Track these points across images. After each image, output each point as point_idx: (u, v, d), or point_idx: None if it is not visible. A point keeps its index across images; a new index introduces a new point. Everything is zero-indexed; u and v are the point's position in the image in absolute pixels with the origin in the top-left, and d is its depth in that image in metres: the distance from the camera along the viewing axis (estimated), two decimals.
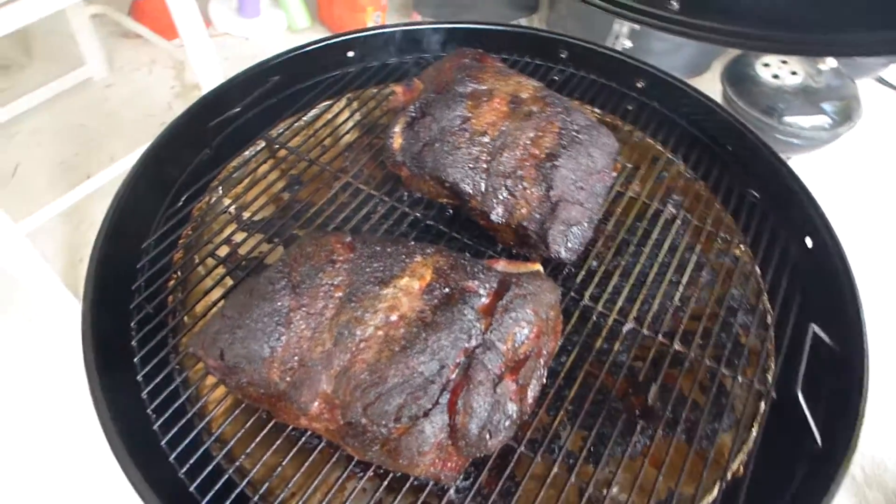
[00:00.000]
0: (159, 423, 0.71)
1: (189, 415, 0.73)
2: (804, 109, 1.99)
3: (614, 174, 0.98)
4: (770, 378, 0.81)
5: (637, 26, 1.15)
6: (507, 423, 0.65)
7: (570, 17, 2.52)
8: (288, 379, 0.63)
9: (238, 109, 0.96)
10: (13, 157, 2.37)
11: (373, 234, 0.89)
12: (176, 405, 0.73)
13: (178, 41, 1.96)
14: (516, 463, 0.72)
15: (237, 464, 0.70)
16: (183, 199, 0.91)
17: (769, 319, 0.87)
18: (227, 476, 0.69)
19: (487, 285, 0.67)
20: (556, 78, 1.17)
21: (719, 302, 0.87)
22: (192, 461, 0.69)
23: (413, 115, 0.87)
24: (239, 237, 0.90)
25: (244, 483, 0.68)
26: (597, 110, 1.13)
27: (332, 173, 0.97)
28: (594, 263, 0.91)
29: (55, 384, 1.72)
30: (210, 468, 0.69)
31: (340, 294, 0.65)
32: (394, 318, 0.63)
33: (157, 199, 0.91)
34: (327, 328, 0.63)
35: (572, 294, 0.85)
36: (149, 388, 0.74)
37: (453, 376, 0.63)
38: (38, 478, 1.57)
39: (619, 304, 0.85)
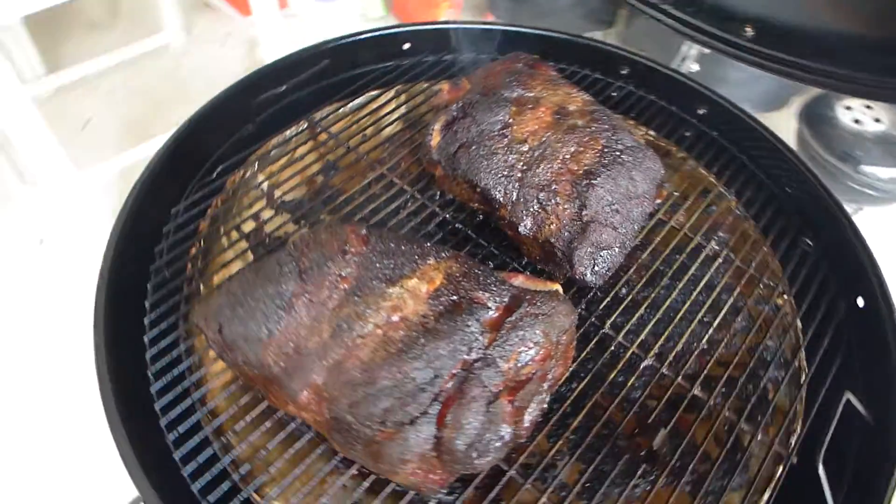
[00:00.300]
0: (156, 386, 0.71)
1: (186, 383, 0.73)
2: (884, 160, 1.87)
3: (658, 201, 0.93)
4: (793, 441, 0.75)
5: (707, 50, 1.10)
6: (498, 444, 0.62)
7: (647, 37, 2.45)
8: (282, 364, 0.62)
9: (283, 88, 0.96)
10: (87, 111, 2.47)
11: (399, 228, 0.87)
12: (175, 372, 0.73)
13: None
14: (505, 486, 0.69)
15: (224, 439, 0.70)
16: (218, 169, 0.92)
17: (803, 378, 0.81)
18: (211, 450, 0.68)
19: (498, 299, 0.64)
20: (615, 94, 1.13)
21: (751, 351, 0.82)
22: (180, 429, 0.69)
23: (454, 114, 0.85)
24: (266, 214, 0.90)
25: (227, 460, 0.68)
26: (651, 133, 1.08)
27: (369, 163, 0.96)
28: (622, 291, 0.87)
29: (66, 318, 1.77)
30: (197, 439, 0.68)
31: (346, 286, 0.64)
32: (395, 318, 0.61)
33: (194, 166, 0.92)
34: (327, 319, 0.62)
35: (593, 320, 0.81)
36: (152, 350, 0.74)
37: (448, 387, 0.60)
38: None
39: (642, 337, 0.80)
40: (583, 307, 0.82)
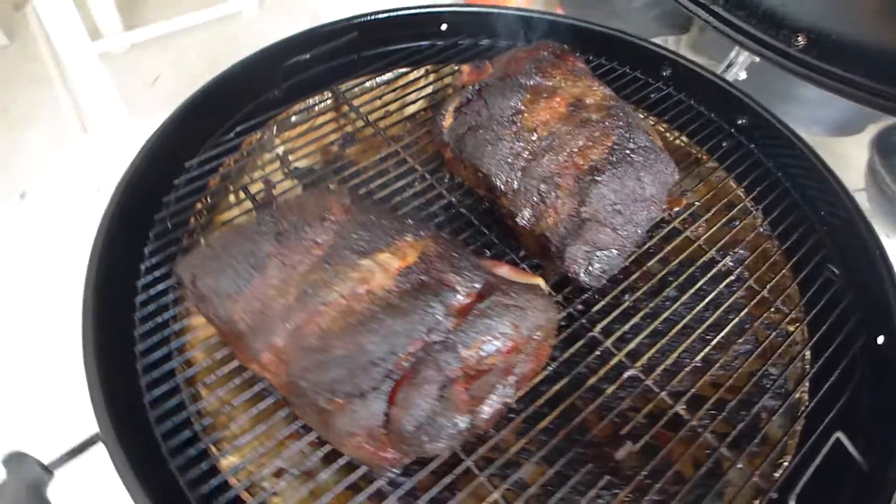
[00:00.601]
0: (140, 329, 0.74)
1: (168, 331, 0.75)
2: None
3: (676, 209, 0.89)
4: (778, 475, 0.70)
5: (757, 58, 1.04)
6: (452, 432, 0.61)
7: (717, 45, 2.34)
8: (248, 322, 0.63)
9: (308, 56, 0.96)
10: (158, 68, 2.58)
11: (402, 206, 0.87)
12: (160, 319, 0.75)
13: None
14: (461, 476, 0.68)
15: (193, 390, 0.71)
16: (237, 130, 0.94)
17: (801, 410, 0.76)
18: (180, 398, 0.70)
19: (469, 284, 0.62)
20: (654, 96, 1.08)
21: (750, 376, 0.77)
22: (154, 374, 0.70)
23: (469, 96, 0.83)
24: (276, 178, 0.91)
25: (192, 410, 0.69)
26: (684, 139, 1.03)
27: (385, 139, 0.95)
28: (621, 297, 0.83)
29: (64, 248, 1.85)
30: (167, 386, 0.70)
31: (320, 253, 0.64)
32: (361, 290, 0.61)
33: (214, 124, 0.94)
34: (295, 282, 0.62)
35: (584, 321, 0.78)
36: (142, 296, 0.76)
37: (405, 366, 0.59)
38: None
39: (632, 345, 0.77)
40: (575, 307, 0.79)
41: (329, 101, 1.01)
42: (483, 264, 0.68)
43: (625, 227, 0.74)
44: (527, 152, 0.77)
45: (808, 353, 0.81)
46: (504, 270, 0.69)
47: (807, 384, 0.79)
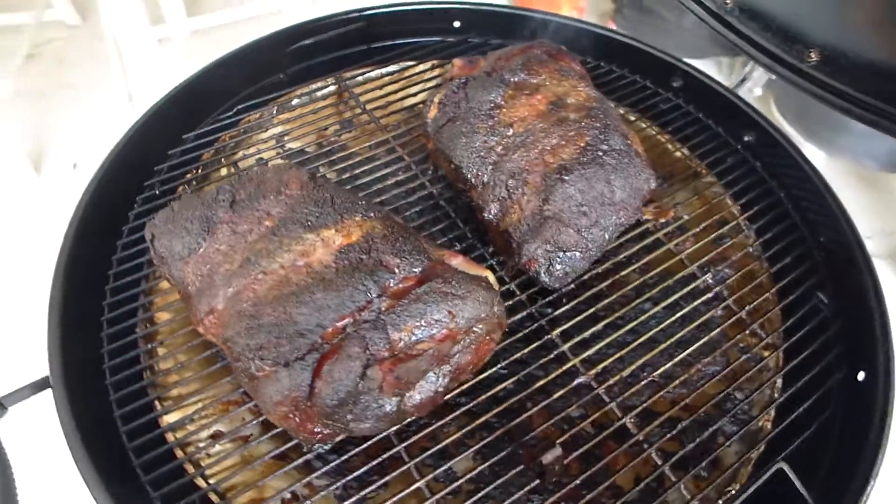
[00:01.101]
0: (111, 285, 0.77)
1: (139, 288, 0.78)
2: None
3: (662, 220, 0.87)
4: (721, 502, 0.67)
5: (772, 75, 1.00)
6: (376, 413, 0.61)
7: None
8: (197, 284, 0.65)
9: (311, 42, 0.99)
10: (213, 55, 2.68)
11: (383, 194, 0.88)
12: (132, 277, 0.78)
13: None
14: (391, 461, 0.68)
15: (150, 346, 0.74)
16: (237, 108, 0.97)
17: (760, 439, 0.72)
18: (137, 352, 0.73)
19: (409, 268, 0.63)
20: (661, 106, 1.05)
21: (712, 398, 0.74)
22: (117, 327, 0.74)
23: (454, 89, 0.83)
24: (268, 156, 0.94)
25: (146, 364, 0.72)
26: (685, 151, 1.00)
27: (380, 127, 0.97)
28: (587, 302, 0.81)
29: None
30: (127, 339, 0.73)
31: (269, 224, 0.65)
32: (301, 262, 0.62)
33: (216, 101, 0.98)
34: (242, 250, 0.64)
35: (543, 323, 0.77)
36: (121, 254, 0.80)
37: (334, 341, 0.60)
38: None
39: (588, 353, 0.75)
40: (538, 308, 0.78)
41: (332, 88, 1.03)
42: (433, 252, 0.68)
43: (590, 229, 0.73)
44: (500, 147, 0.77)
45: (779, 381, 0.77)
46: (457, 261, 0.69)
47: (772, 412, 0.75)
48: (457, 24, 1.12)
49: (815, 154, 1.97)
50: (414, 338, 0.61)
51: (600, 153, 0.74)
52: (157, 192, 0.86)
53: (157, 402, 0.70)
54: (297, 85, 1.02)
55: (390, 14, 1.07)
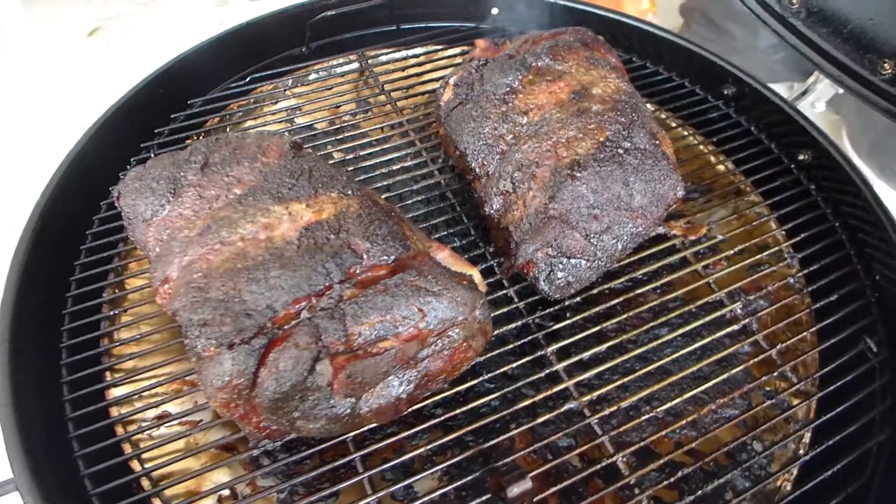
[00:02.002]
0: (86, 245, 0.74)
1: (114, 251, 0.74)
2: None
3: (692, 237, 0.77)
4: None
5: (839, 88, 0.88)
6: (327, 414, 0.54)
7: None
8: (157, 250, 0.60)
9: (333, 14, 0.94)
10: None
11: (386, 178, 0.81)
12: (110, 238, 0.75)
13: None
14: (344, 469, 0.61)
15: (114, 312, 0.70)
16: (251, 77, 0.93)
17: (777, 501, 0.61)
18: (98, 316, 0.69)
19: (379, 255, 0.56)
20: (711, 115, 0.95)
21: (725, 446, 0.63)
22: (83, 289, 0.70)
23: (471, 70, 0.76)
24: (275, 128, 0.89)
25: (104, 330, 0.68)
26: (730, 164, 0.89)
27: (396, 109, 0.90)
28: (595, 319, 0.72)
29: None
30: (91, 302, 0.69)
31: (238, 192, 0.60)
32: (262, 236, 0.56)
33: (230, 69, 0.93)
34: (204, 216, 0.58)
35: (540, 337, 0.68)
36: (103, 213, 0.77)
37: (287, 327, 0.54)
38: None
39: (586, 376, 0.66)
40: (534, 320, 0.69)
41: (353, 66, 0.97)
42: (418, 241, 0.61)
43: (600, 236, 0.64)
44: (510, 135, 0.69)
45: (807, 436, 0.66)
46: (442, 254, 0.61)
47: (794, 471, 0.64)
48: (495, 10, 1.04)
49: (887, 193, 1.79)
50: (375, 333, 0.54)
51: (621, 151, 0.65)
52: (154, 156, 0.82)
53: (107, 373, 0.65)
54: (318, 59, 0.97)
55: None
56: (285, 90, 0.94)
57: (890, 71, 0.77)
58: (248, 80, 0.93)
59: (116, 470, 0.59)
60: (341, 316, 0.53)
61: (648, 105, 0.96)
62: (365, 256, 0.55)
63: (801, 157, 0.87)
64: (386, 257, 0.56)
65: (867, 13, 0.80)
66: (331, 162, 0.82)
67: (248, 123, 0.90)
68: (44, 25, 2.35)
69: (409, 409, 0.62)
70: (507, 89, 0.72)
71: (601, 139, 0.66)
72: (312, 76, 0.97)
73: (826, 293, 0.75)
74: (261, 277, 0.53)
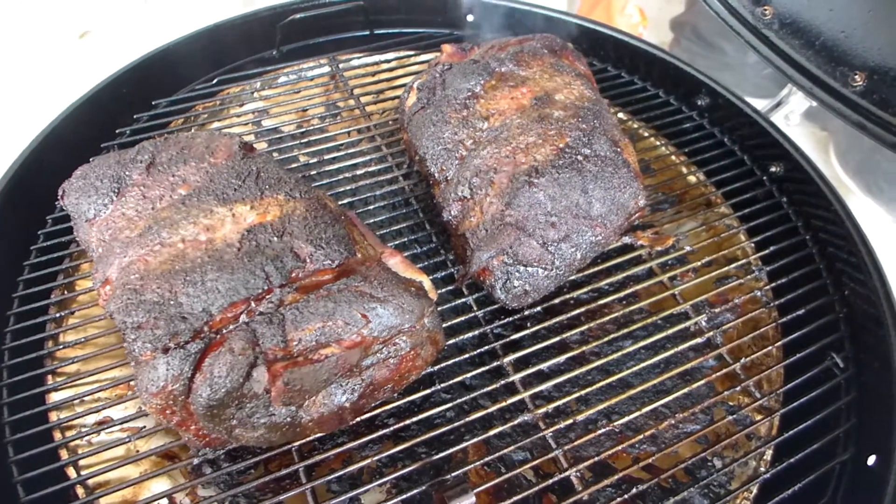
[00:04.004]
0: (38, 244, 0.72)
1: (65, 253, 0.73)
2: None
3: (658, 248, 0.76)
4: None
5: (812, 101, 0.87)
6: (265, 423, 0.52)
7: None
8: (99, 251, 0.58)
9: (302, 17, 0.93)
10: None
11: (350, 183, 0.80)
12: (62, 239, 0.73)
13: None
14: (288, 479, 0.59)
15: (61, 315, 0.68)
16: (217, 80, 0.91)
17: None
18: (49, 302, 0.68)
19: (322, 258, 0.54)
20: (684, 126, 0.94)
21: (683, 462, 0.62)
22: (32, 290, 0.68)
23: (434, 74, 0.75)
24: (239, 129, 0.88)
25: (49, 333, 0.66)
26: (701, 175, 0.88)
27: (363, 114, 0.89)
28: (556, 330, 0.70)
29: None
30: (39, 303, 0.67)
31: (183, 192, 0.58)
32: (203, 237, 0.54)
33: (197, 70, 0.92)
34: (146, 217, 0.57)
35: (497, 346, 0.67)
36: (56, 213, 0.75)
37: (224, 331, 0.52)
38: None
39: (544, 387, 0.64)
40: (492, 329, 0.68)
41: (323, 70, 0.96)
42: (368, 246, 0.59)
43: (558, 244, 0.63)
44: (470, 140, 0.68)
45: (768, 453, 0.64)
46: (394, 261, 0.60)
47: (754, 489, 0.62)
48: (470, 17, 1.04)
49: (873, 211, 1.78)
50: (316, 339, 0.52)
51: (580, 157, 0.64)
52: (115, 146, 0.81)
53: (49, 376, 0.63)
54: (288, 63, 0.96)
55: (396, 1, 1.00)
56: (253, 93, 0.93)
57: (861, 83, 0.76)
58: (215, 81, 0.92)
59: (51, 476, 0.57)
60: (280, 321, 0.51)
61: (621, 114, 0.95)
62: (308, 260, 0.53)
63: (773, 170, 0.86)
64: (330, 261, 0.54)
65: (839, 26, 0.79)
66: (295, 166, 0.82)
67: (214, 125, 0.89)
68: (34, 27, 2.32)
69: (358, 419, 0.60)
70: (469, 94, 0.70)
71: (561, 145, 0.65)
72: (282, 79, 0.95)
73: (794, 307, 0.73)
74: (198, 280, 0.51)
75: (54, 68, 1.87)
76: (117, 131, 0.84)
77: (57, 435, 0.60)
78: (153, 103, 0.87)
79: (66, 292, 0.70)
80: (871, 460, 0.61)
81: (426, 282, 0.58)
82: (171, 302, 0.51)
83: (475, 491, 0.54)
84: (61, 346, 0.65)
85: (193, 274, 0.52)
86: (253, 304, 0.52)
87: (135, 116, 0.86)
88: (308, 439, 0.59)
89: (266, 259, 0.52)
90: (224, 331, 0.52)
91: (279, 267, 0.52)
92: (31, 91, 1.76)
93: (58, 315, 0.67)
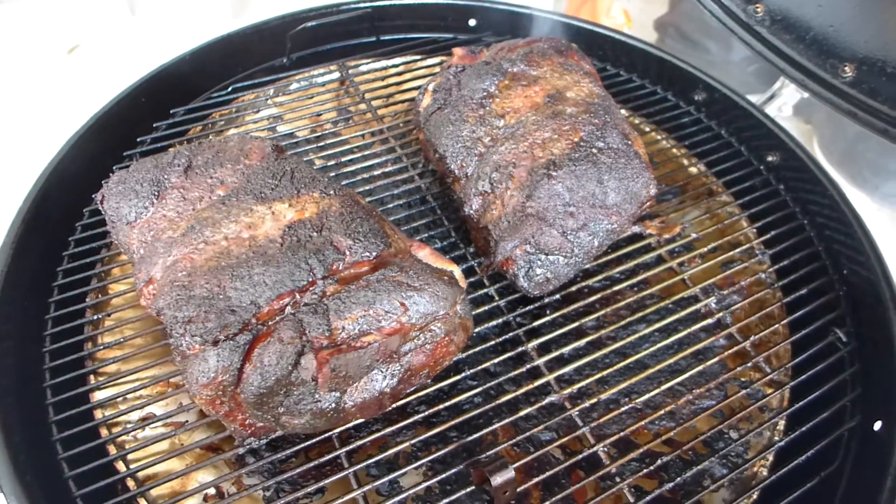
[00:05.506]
0: (70, 250, 0.74)
1: (96, 258, 0.75)
2: None
3: (666, 236, 0.79)
4: None
5: (805, 93, 0.92)
6: (312, 409, 0.55)
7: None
8: (141, 251, 0.61)
9: (313, 25, 0.96)
10: None
11: (367, 184, 0.83)
12: (93, 245, 0.75)
13: None
14: (330, 465, 0.61)
15: (97, 317, 0.70)
16: (233, 87, 0.94)
17: (753, 486, 0.63)
18: (83, 305, 0.70)
19: (361, 251, 0.57)
20: (683, 120, 0.98)
21: (702, 435, 0.65)
22: (67, 294, 0.70)
23: (449, 76, 0.78)
24: (256, 135, 0.90)
25: (87, 335, 0.68)
26: (702, 167, 0.92)
27: (376, 117, 0.92)
28: (573, 316, 0.73)
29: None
30: (75, 308, 0.69)
31: (221, 193, 0.61)
32: (245, 235, 0.57)
33: (212, 79, 0.95)
34: (188, 217, 0.59)
35: (521, 333, 0.70)
36: (85, 220, 0.77)
37: (270, 322, 0.54)
38: None
39: (566, 370, 0.68)
40: (514, 317, 0.71)
41: (334, 76, 0.99)
42: (399, 240, 0.62)
43: (576, 233, 0.66)
44: (488, 138, 0.71)
45: (781, 423, 0.68)
46: (423, 252, 0.63)
47: (770, 457, 0.66)
48: (472, 21, 1.07)
49: (858, 199, 1.84)
50: (358, 328, 0.55)
51: (595, 150, 0.68)
52: (140, 153, 0.83)
53: (91, 376, 0.65)
54: (299, 70, 0.99)
55: (401, 7, 1.03)
56: (267, 99, 0.95)
57: (850, 74, 0.81)
58: (229, 89, 0.94)
59: (101, 471, 0.59)
60: (324, 311, 0.54)
61: (622, 110, 0.99)
62: (347, 253, 0.56)
63: (769, 159, 0.90)
64: (368, 254, 0.57)
65: (828, 20, 0.83)
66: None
67: (231, 132, 0.92)
68: (22, 43, 2.31)
69: (393, 406, 0.63)
70: (484, 94, 0.74)
71: (575, 140, 0.68)
72: (294, 86, 0.98)
73: (796, 287, 0.77)
74: (244, 274, 0.54)
75: (44, 84, 1.88)
76: (138, 140, 0.86)
77: (103, 432, 0.62)
78: (171, 112, 0.89)
79: (100, 295, 0.72)
80: (877, 426, 0.65)
81: (457, 271, 0.62)
82: (220, 296, 0.54)
83: (519, 463, 0.57)
84: (101, 347, 0.67)
85: (240, 269, 0.54)
86: (298, 296, 0.55)
87: (154, 125, 0.88)
88: (346, 426, 0.61)
89: (308, 252, 0.55)
90: (271, 322, 0.55)
91: (321, 260, 0.55)
92: (22, 107, 1.76)
93: (95, 317, 0.70)
